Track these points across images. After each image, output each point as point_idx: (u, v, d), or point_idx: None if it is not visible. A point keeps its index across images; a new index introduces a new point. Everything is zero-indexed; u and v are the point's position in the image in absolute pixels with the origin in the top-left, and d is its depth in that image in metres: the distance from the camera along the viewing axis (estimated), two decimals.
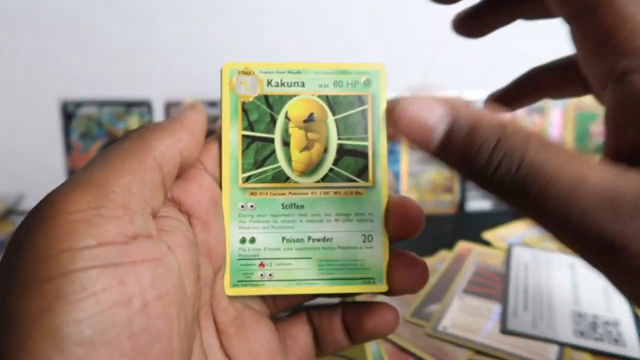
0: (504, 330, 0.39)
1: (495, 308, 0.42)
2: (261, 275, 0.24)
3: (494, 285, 0.46)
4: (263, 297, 0.25)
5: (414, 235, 0.24)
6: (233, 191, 0.24)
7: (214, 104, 0.62)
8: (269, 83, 0.24)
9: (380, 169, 0.24)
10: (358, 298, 0.27)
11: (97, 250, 0.16)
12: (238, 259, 0.24)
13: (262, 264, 0.24)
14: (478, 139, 0.17)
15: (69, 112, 0.64)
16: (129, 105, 0.64)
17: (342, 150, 0.24)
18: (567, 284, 0.46)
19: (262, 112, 0.24)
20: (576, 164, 0.16)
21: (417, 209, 0.24)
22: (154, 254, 0.18)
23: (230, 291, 0.24)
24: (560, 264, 0.49)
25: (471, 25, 0.27)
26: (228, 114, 0.24)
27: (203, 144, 0.23)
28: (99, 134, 0.64)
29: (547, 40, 0.66)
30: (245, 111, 0.24)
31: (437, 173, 0.61)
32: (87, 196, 0.17)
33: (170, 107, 0.64)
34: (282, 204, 0.24)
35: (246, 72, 0.24)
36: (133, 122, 0.64)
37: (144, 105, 0.64)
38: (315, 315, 0.26)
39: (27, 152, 0.65)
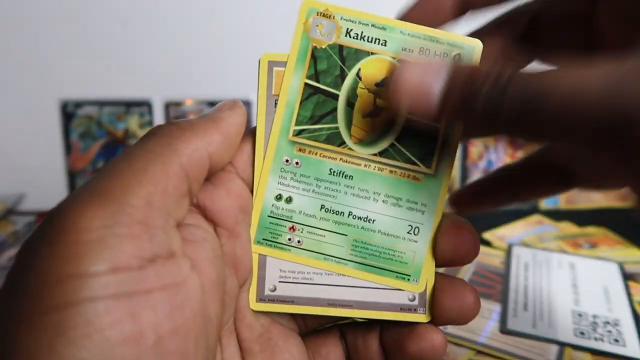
0: (504, 330, 0.39)
1: (495, 308, 0.42)
2: (289, 239, 0.22)
3: (494, 285, 0.46)
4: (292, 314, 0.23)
5: (464, 263, 0.21)
6: (281, 142, 0.22)
7: (213, 104, 0.62)
8: (347, 33, 0.21)
9: (447, 158, 0.22)
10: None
11: (107, 277, 0.15)
12: (269, 216, 0.22)
13: (292, 228, 0.22)
14: (479, 77, 0.17)
15: (69, 112, 0.64)
16: (129, 105, 0.64)
17: (409, 127, 0.22)
18: (567, 283, 0.46)
19: (333, 63, 0.21)
20: (575, 66, 0.15)
21: (471, 234, 0.21)
22: (174, 279, 0.16)
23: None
24: (560, 264, 0.49)
25: (470, 201, 0.26)
26: (295, 56, 0.22)
27: (237, 147, 0.21)
28: (99, 134, 0.64)
29: None
30: (314, 58, 0.22)
31: None
32: (102, 211, 0.15)
33: (170, 107, 0.64)
34: (330, 170, 0.22)
35: (326, 15, 0.21)
36: (133, 122, 0.64)
37: (144, 105, 0.64)
38: (349, 334, 0.23)
39: (27, 152, 0.65)
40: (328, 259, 0.22)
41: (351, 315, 0.22)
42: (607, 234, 0.56)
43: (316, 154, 0.22)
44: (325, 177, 0.22)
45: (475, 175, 0.62)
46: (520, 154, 0.62)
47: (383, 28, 0.21)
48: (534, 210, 0.63)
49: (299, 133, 0.22)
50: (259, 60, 0.22)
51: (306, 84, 0.22)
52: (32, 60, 0.63)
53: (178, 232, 0.18)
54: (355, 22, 0.21)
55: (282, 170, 0.22)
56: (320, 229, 0.22)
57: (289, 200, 0.22)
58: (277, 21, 0.63)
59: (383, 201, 0.22)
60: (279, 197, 0.22)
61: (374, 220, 0.22)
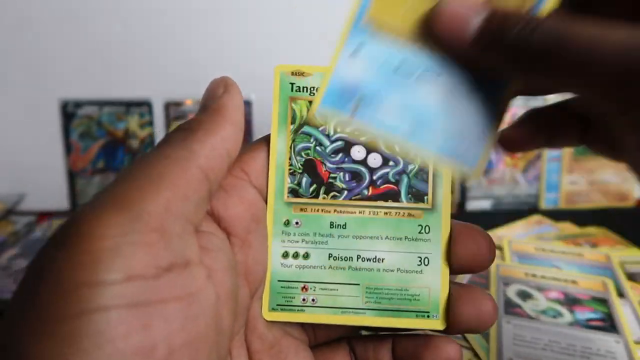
0: None
1: None
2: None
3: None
4: (303, 324, 0.23)
5: (481, 269, 0.21)
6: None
7: None
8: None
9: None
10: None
11: (122, 286, 0.14)
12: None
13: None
14: (514, 16, 0.18)
15: (69, 112, 0.64)
16: (129, 105, 0.64)
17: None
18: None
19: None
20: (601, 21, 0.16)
21: (488, 240, 0.21)
22: (189, 289, 0.16)
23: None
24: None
25: (515, 142, 0.25)
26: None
27: (243, 129, 0.20)
28: (99, 134, 0.64)
29: None
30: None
31: None
32: (118, 218, 0.15)
33: (170, 107, 0.64)
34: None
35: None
36: (133, 122, 0.64)
37: (144, 105, 0.64)
38: (358, 347, 0.23)
39: (27, 152, 0.65)
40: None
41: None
42: (607, 234, 0.56)
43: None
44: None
45: None
46: (519, 155, 0.62)
47: None
48: (534, 210, 0.63)
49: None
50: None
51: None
52: (32, 60, 0.63)
53: (196, 239, 0.17)
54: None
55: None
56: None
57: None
58: (276, 21, 0.63)
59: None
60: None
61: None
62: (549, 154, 0.63)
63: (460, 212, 0.61)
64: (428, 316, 0.22)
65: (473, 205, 0.62)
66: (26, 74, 0.63)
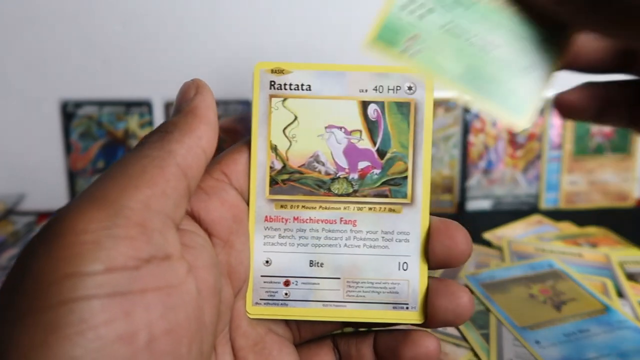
0: None
1: None
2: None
3: None
4: (287, 321, 0.23)
5: (458, 264, 0.21)
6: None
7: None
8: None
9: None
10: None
11: (103, 276, 0.15)
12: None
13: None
14: None
15: (69, 112, 0.64)
16: (129, 105, 0.64)
17: None
18: None
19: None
20: None
21: (464, 235, 0.22)
22: (169, 280, 0.16)
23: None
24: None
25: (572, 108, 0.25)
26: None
27: (217, 128, 0.20)
28: (99, 134, 0.64)
29: None
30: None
31: (437, 173, 0.61)
32: (99, 213, 0.15)
33: (170, 107, 0.64)
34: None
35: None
36: (133, 122, 0.64)
37: (144, 105, 0.64)
38: (342, 343, 0.24)
39: (27, 152, 0.65)
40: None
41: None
42: (607, 234, 0.56)
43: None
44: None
45: (476, 176, 0.62)
46: (519, 153, 0.62)
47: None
48: (534, 210, 0.63)
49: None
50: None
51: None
52: (32, 60, 0.63)
53: (177, 235, 0.18)
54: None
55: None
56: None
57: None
58: (276, 21, 0.63)
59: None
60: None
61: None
62: (549, 154, 0.63)
63: (460, 212, 0.61)
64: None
65: (473, 205, 0.62)
66: (26, 74, 0.63)
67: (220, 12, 0.63)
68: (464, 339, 0.37)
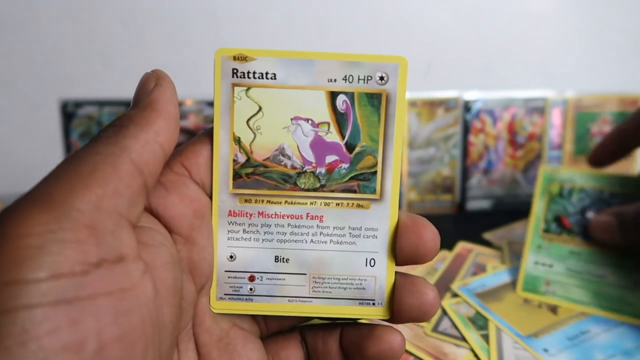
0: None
1: None
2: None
3: None
4: (253, 316, 0.23)
5: (425, 262, 0.21)
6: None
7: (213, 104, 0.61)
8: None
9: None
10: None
11: (47, 284, 0.14)
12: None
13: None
14: None
15: (69, 112, 0.64)
16: (129, 105, 0.64)
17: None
18: None
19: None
20: None
21: (431, 233, 0.21)
22: (122, 284, 0.16)
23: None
24: None
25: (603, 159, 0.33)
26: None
27: (178, 122, 0.20)
28: None
29: (546, 39, 0.66)
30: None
31: (437, 173, 0.61)
32: (44, 215, 0.15)
33: None
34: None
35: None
36: None
37: None
38: (309, 336, 0.23)
39: (27, 151, 0.65)
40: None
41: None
42: None
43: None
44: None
45: (476, 176, 0.62)
46: (519, 153, 0.62)
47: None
48: None
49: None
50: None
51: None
52: (32, 60, 0.63)
53: (133, 235, 0.17)
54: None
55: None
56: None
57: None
58: (276, 20, 0.63)
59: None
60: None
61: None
62: (549, 154, 0.63)
63: (460, 212, 0.61)
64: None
65: (473, 205, 0.62)
66: (26, 74, 0.63)
67: (220, 12, 0.63)
68: (464, 339, 0.37)
